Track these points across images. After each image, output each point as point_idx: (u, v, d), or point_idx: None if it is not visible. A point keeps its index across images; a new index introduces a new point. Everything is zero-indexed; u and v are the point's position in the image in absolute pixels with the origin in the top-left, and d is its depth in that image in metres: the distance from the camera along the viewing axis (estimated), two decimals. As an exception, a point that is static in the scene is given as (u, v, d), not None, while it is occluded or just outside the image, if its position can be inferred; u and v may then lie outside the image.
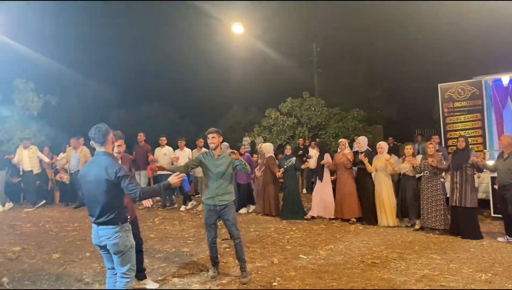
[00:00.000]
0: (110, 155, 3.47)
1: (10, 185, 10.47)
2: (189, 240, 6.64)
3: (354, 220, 8.00)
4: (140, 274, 4.44)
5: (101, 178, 3.32)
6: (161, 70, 21.40)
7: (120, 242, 3.36)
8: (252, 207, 9.45)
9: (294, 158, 8.65)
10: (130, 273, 3.47)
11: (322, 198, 8.39)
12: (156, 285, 4.51)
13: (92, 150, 5.10)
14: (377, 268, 5.12)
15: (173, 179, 3.58)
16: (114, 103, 21.37)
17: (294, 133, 14.64)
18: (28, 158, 10.27)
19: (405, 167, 7.52)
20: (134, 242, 3.55)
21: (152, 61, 21.21)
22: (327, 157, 8.48)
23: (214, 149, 4.78)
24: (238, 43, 15.99)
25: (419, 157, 7.54)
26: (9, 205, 9.96)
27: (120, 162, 4.29)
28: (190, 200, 9.97)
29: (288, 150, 8.82)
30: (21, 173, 10.48)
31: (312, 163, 9.69)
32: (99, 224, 3.40)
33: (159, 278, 4.79)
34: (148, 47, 21.00)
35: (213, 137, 4.73)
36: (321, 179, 8.48)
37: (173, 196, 10.27)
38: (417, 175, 7.54)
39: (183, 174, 3.75)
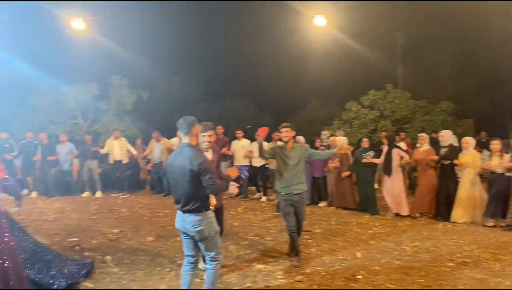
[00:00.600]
0: (194, 147, 3.62)
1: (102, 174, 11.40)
2: (271, 229, 6.80)
3: (418, 215, 7.76)
4: None
5: (185, 168, 3.48)
6: (243, 65, 21.86)
7: (204, 229, 3.53)
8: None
9: (372, 151, 8.44)
10: (218, 257, 3.66)
11: (393, 195, 8.06)
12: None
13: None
14: (468, 268, 4.87)
15: (231, 172, 3.87)
16: (199, 97, 22.28)
17: (376, 127, 14.22)
18: (118, 148, 11.07)
19: (491, 164, 7.01)
20: (218, 228, 3.72)
21: (234, 56, 21.76)
22: (397, 153, 8.08)
23: (287, 142, 5.09)
24: (319, 35, 15.83)
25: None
26: (87, 193, 10.74)
27: (211, 151, 4.56)
28: (264, 193, 10.14)
29: (365, 143, 8.64)
30: (111, 162, 11.14)
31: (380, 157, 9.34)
32: (184, 211, 3.58)
33: (245, 264, 4.99)
34: (231, 43, 21.54)
35: (286, 131, 5.08)
36: (389, 175, 8.14)
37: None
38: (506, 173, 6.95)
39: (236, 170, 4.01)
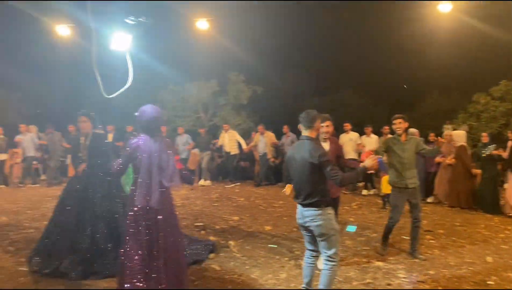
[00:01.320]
0: (314, 139, 3.64)
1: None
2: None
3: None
4: None
5: (305, 161, 3.50)
6: (357, 57, 21.38)
7: (324, 225, 3.51)
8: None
9: (494, 145, 7.71)
10: (335, 257, 3.58)
11: None
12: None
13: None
14: None
15: (369, 162, 3.57)
16: (311, 90, 22.38)
17: (507, 121, 12.82)
18: (228, 141, 11.69)
19: None
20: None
21: (348, 48, 21.37)
22: None
23: (400, 135, 5.04)
24: (443, 22, 14.68)
25: None
26: (207, 182, 11.46)
27: (328, 142, 4.60)
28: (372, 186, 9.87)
29: (485, 138, 8.07)
30: (223, 154, 11.90)
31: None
32: (304, 205, 3.60)
33: (364, 260, 4.95)
34: (344, 36, 21.16)
35: (399, 122, 5.03)
36: None
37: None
38: None
39: (378, 156, 3.83)
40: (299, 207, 3.69)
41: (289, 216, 7.24)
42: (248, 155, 12.35)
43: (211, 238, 5.89)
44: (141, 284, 3.29)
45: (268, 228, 6.48)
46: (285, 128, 11.36)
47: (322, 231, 3.54)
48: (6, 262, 4.86)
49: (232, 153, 11.66)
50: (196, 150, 11.79)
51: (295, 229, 6.27)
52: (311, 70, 22.40)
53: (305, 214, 3.61)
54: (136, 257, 3.31)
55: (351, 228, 6.29)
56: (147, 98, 15.99)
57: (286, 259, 5.01)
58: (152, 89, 15.92)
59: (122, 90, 4.33)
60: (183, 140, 11.72)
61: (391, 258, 5.04)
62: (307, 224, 3.61)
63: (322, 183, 3.56)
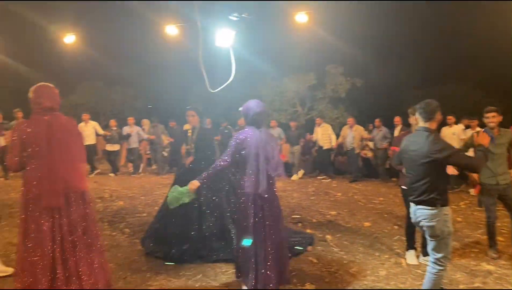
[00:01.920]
0: (433, 132, 3.40)
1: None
2: (503, 229, 6.00)
3: None
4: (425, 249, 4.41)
5: (423, 155, 3.30)
6: (467, 47, 19.64)
7: (437, 226, 3.29)
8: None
9: None
10: (444, 261, 3.37)
11: None
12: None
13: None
14: None
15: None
16: (414, 82, 21.13)
17: None
18: (321, 135, 11.55)
19: None
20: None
21: (451, 39, 19.75)
22: None
23: (493, 129, 4.74)
24: None
25: None
26: (298, 175, 11.45)
27: None
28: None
29: None
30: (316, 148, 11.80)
31: None
32: (417, 203, 3.40)
33: (472, 263, 4.59)
34: (453, 25, 19.58)
35: (493, 116, 4.71)
36: None
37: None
38: None
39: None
40: (412, 205, 3.51)
41: (389, 213, 6.97)
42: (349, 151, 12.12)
43: (308, 231, 5.92)
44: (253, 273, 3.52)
45: (367, 224, 6.31)
46: (377, 122, 10.91)
47: (435, 233, 3.33)
48: (123, 242, 5.41)
49: (325, 147, 11.55)
50: (286, 144, 11.92)
51: (396, 227, 6.02)
52: (413, 61, 21.13)
53: (417, 213, 3.42)
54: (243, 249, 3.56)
55: None
56: (247, 93, 16.54)
57: (386, 256, 4.84)
58: (251, 84, 16.35)
59: (225, 84, 4.54)
60: (275, 134, 11.92)
61: (504, 262, 4.60)
62: (420, 224, 3.42)
63: (441, 179, 3.36)
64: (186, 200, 3.89)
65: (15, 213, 6.87)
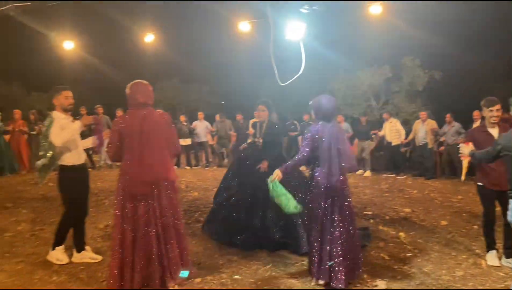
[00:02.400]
0: None
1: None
2: None
3: None
4: None
5: None
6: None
7: None
8: None
9: None
10: None
11: None
12: None
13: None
14: None
15: None
16: (502, 74, 19.50)
17: None
18: (389, 131, 11.11)
19: None
20: None
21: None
22: None
23: None
24: None
25: None
26: (368, 172, 11.10)
27: (497, 129, 4.14)
28: None
29: None
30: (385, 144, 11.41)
31: None
32: None
33: None
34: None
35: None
36: None
37: None
38: None
39: None
40: (510, 202, 3.32)
41: (469, 213, 6.56)
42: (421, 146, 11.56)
43: (380, 227, 5.78)
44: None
45: (443, 223, 6.00)
46: (448, 117, 10.21)
47: None
48: (197, 230, 5.68)
49: (393, 143, 11.13)
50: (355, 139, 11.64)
51: (475, 227, 5.66)
52: (504, 50, 19.46)
53: None
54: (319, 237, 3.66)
55: None
56: (318, 87, 16.37)
57: (463, 256, 4.58)
58: (322, 77, 16.15)
59: (295, 77, 4.57)
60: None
61: None
62: None
63: None
64: (291, 209, 3.87)
65: (100, 201, 7.50)
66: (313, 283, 3.81)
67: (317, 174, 3.72)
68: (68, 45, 10.41)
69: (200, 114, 12.91)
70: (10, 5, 5.42)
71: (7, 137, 10.99)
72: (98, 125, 4.20)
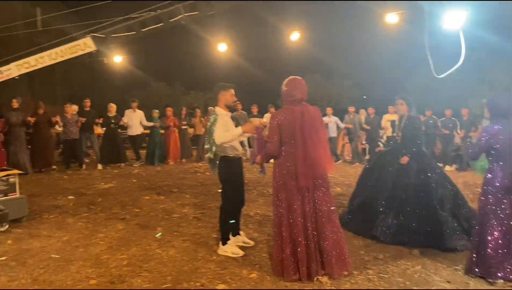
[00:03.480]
0: None
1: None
2: None
3: None
4: None
5: None
6: None
7: None
8: None
9: None
10: None
11: None
12: None
13: None
14: None
15: None
16: None
17: None
18: None
19: None
20: None
21: None
22: None
23: None
24: None
25: None
26: None
27: None
28: None
29: None
30: None
31: None
32: None
33: None
34: None
35: None
36: None
37: None
38: None
39: None
40: None
41: None
42: None
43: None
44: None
45: None
46: None
47: None
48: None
49: None
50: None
51: None
52: None
53: None
54: (494, 241, 3.64)
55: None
56: (475, 79, 14.75)
57: None
58: (482, 68, 14.47)
59: (453, 69, 4.27)
60: None
61: None
62: None
63: None
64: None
65: (250, 191, 8.02)
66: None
67: (495, 171, 3.70)
68: (222, 47, 11.31)
69: (329, 110, 12.78)
70: (181, 15, 6.17)
71: (162, 131, 12.54)
72: (259, 135, 4.29)
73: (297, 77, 3.99)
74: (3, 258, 4.52)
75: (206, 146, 4.77)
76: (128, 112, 12.02)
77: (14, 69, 5.82)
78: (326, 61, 23.65)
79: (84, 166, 11.23)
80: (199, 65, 23.95)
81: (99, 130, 13.07)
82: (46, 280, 3.94)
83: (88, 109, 11.60)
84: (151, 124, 12.23)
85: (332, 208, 3.87)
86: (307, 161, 3.71)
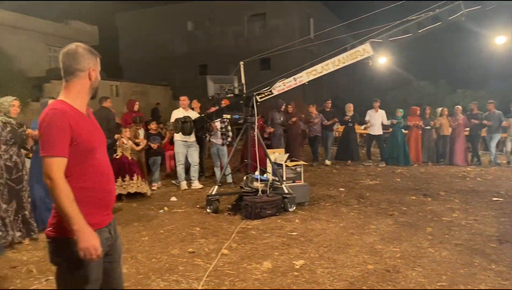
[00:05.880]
0: None
1: None
2: None
3: None
4: None
5: None
6: None
7: None
8: None
9: None
10: None
11: None
12: None
13: None
14: None
15: None
16: None
17: None
18: None
19: None
20: None
21: None
22: None
23: None
24: None
25: None
26: None
27: None
28: None
29: None
30: None
31: None
32: None
33: None
34: None
35: None
36: None
37: None
38: None
39: None
40: None
41: None
42: None
43: None
44: None
45: None
46: None
47: None
48: None
49: None
50: None
51: None
52: None
53: None
54: None
55: None
56: None
57: None
58: None
59: None
60: None
61: None
62: None
63: None
64: None
65: None
66: None
67: None
68: (500, 40, 10.08)
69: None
70: (462, 11, 5.92)
71: (406, 132, 12.28)
72: None
73: None
74: (294, 233, 5.47)
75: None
76: (370, 112, 12.37)
77: (304, 76, 6.82)
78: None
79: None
80: (468, 63, 22.01)
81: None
82: (330, 257, 4.56)
83: (328, 109, 12.63)
84: (388, 122, 12.25)
85: None
86: None
